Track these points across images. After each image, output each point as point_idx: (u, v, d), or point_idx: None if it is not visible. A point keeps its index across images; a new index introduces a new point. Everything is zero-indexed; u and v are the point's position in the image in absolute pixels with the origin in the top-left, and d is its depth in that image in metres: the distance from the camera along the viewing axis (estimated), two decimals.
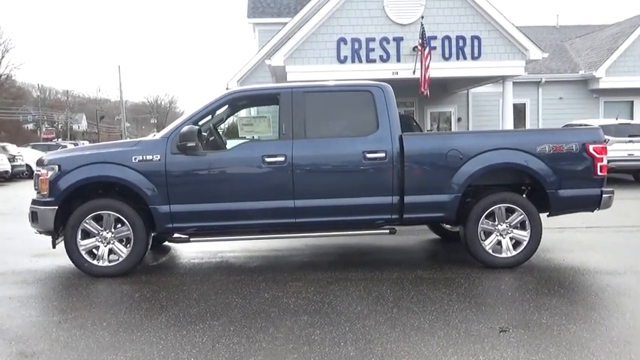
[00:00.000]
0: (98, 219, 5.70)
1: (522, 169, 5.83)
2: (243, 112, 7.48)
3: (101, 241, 5.71)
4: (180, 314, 4.48)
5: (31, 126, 72.99)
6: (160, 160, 5.63)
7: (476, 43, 14.41)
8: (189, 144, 5.52)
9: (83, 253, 5.68)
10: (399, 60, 14.36)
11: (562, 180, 5.85)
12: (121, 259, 5.71)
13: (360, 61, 14.33)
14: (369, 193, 5.77)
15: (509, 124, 15.19)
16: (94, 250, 5.73)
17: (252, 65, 20.27)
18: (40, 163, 5.92)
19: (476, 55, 14.45)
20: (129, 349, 3.73)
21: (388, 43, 14.35)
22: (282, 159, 5.66)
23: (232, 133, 13.85)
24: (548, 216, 6.11)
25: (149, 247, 5.91)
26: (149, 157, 5.64)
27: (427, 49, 13.42)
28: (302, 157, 5.70)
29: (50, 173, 5.70)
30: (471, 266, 5.87)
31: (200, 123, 5.92)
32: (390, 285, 5.24)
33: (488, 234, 5.86)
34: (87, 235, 5.70)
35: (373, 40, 14.33)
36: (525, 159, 5.80)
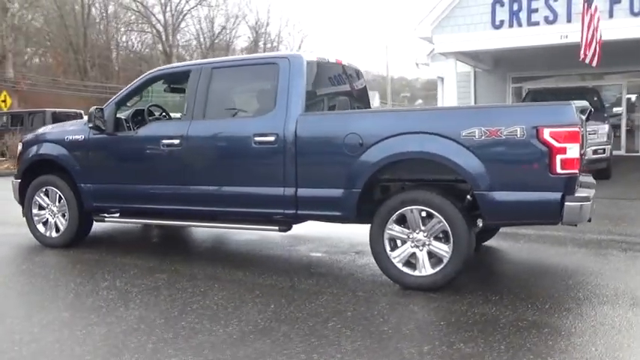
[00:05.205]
0: (49, 193, 6.15)
1: (438, 161, 4.32)
2: None
3: (50, 214, 6.15)
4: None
5: None
6: (83, 139, 5.79)
7: None
8: (90, 124, 5.56)
9: (37, 223, 6.21)
10: (569, 20, 11.71)
11: (498, 178, 4.17)
12: (60, 232, 6.07)
13: (520, 24, 12.13)
14: (260, 182, 4.98)
15: None
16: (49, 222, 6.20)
17: None
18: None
19: None
20: None
21: (555, 0, 11.81)
22: (177, 141, 5.27)
23: None
24: (482, 225, 4.44)
25: (91, 222, 6.12)
26: (76, 137, 5.84)
27: (593, 6, 10.63)
28: (194, 139, 5.21)
29: (19, 150, 6.37)
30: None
31: (129, 103, 5.88)
32: (233, 291, 4.48)
33: (402, 243, 4.53)
34: (41, 207, 6.21)
35: None
36: (441, 147, 4.28)
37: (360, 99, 6.03)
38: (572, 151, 4.00)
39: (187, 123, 5.27)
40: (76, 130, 5.89)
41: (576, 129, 4.02)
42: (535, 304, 4.08)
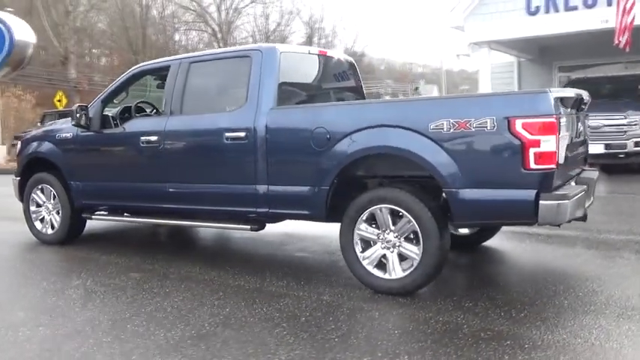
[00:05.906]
0: (44, 191, 6.20)
1: (404, 156, 4.01)
2: None
3: (46, 212, 6.20)
4: None
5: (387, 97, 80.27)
6: (71, 137, 5.80)
7: None
8: (73, 122, 5.54)
9: (34, 220, 6.27)
10: (609, 4, 10.93)
11: (468, 174, 3.83)
12: (55, 230, 6.11)
13: (557, 10, 11.43)
14: (233, 180, 4.82)
15: None
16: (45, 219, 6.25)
17: None
18: None
19: None
20: None
21: None
22: (154, 138, 5.17)
23: None
24: (454, 227, 4.10)
25: (84, 220, 6.11)
26: (66, 135, 5.86)
27: None
28: (171, 135, 5.10)
29: (18, 148, 6.46)
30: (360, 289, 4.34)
31: (116, 100, 5.83)
32: (197, 293, 4.33)
33: (373, 243, 4.25)
34: (38, 205, 6.27)
35: None
36: (407, 141, 3.97)
37: (353, 91, 5.77)
38: (548, 144, 3.61)
39: (165, 119, 5.17)
40: (66, 127, 5.90)
41: (552, 119, 3.62)
42: (509, 312, 3.72)
